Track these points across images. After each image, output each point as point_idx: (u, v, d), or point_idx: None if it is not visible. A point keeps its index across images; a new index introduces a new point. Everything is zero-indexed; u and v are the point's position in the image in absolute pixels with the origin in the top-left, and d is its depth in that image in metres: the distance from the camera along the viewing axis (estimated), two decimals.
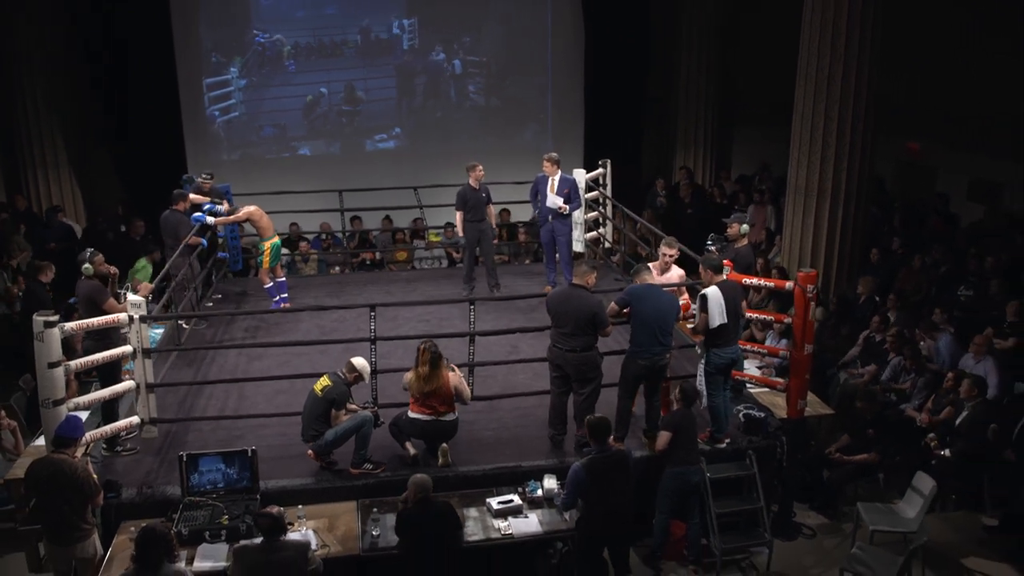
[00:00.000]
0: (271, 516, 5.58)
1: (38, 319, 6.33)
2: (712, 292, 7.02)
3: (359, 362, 6.81)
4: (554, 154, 10.20)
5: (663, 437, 6.85)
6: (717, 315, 7.00)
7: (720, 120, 15.49)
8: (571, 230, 10.40)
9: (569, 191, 10.01)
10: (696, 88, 15.20)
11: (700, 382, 7.43)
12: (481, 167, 10.05)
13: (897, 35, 11.06)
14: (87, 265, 7.18)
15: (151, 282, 9.12)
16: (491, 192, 10.28)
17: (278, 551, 5.50)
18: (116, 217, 13.35)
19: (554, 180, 10.01)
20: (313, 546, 6.00)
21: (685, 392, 6.97)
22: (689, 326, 7.36)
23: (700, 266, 7.40)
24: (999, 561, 7.22)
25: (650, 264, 7.86)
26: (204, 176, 10.38)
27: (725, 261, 7.49)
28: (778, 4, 13.40)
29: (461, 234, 10.13)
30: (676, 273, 8.14)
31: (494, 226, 10.71)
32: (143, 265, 11.11)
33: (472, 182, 9.99)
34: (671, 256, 8.06)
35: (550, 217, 10.10)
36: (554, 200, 9.95)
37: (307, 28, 14.21)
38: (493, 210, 10.46)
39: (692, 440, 6.92)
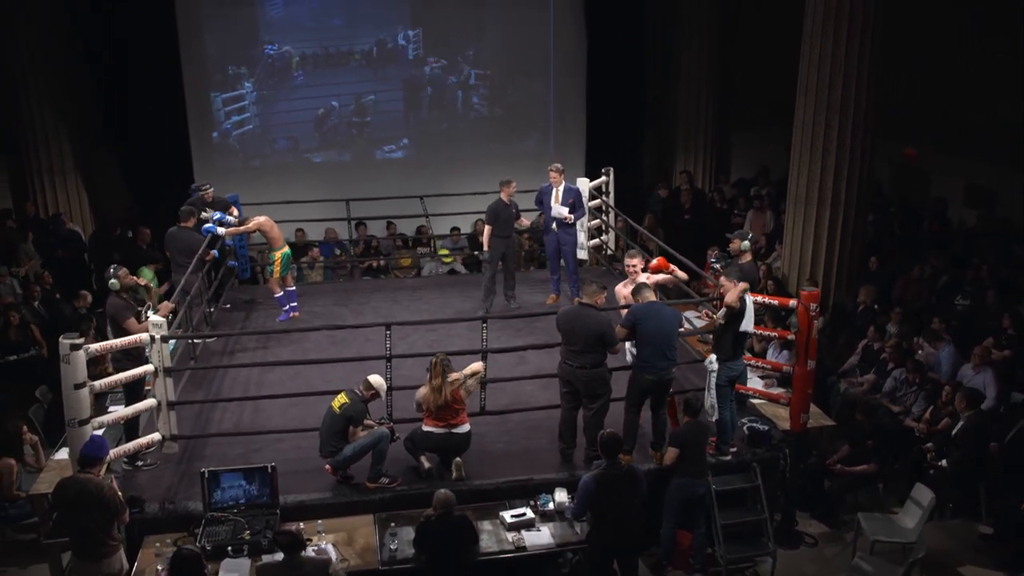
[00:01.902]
0: (291, 533, 5.82)
1: (64, 342, 6.46)
2: (747, 298, 7.27)
3: (376, 380, 6.95)
4: (559, 165, 10.36)
5: (671, 453, 7.03)
6: (750, 321, 7.21)
7: (719, 120, 15.46)
8: (576, 239, 10.56)
9: (573, 201, 10.18)
10: (696, 87, 15.14)
11: (709, 395, 7.60)
12: (515, 184, 10.12)
13: (896, 35, 11.04)
14: (113, 280, 7.30)
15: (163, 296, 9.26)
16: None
17: (299, 567, 5.69)
18: (125, 224, 13.45)
19: (558, 190, 10.16)
20: (334, 560, 6.19)
21: (689, 404, 7.15)
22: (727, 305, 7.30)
23: (722, 277, 7.56)
24: (995, 569, 7.43)
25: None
26: (205, 186, 10.31)
27: None
28: (778, 2, 13.42)
29: (487, 248, 10.14)
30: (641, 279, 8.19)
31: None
32: (148, 274, 11.10)
33: (504, 197, 10.06)
34: (634, 267, 8.29)
35: (554, 226, 10.26)
36: (559, 211, 10.11)
37: (314, 39, 14.26)
38: (525, 221, 10.56)
39: (700, 454, 7.09)
